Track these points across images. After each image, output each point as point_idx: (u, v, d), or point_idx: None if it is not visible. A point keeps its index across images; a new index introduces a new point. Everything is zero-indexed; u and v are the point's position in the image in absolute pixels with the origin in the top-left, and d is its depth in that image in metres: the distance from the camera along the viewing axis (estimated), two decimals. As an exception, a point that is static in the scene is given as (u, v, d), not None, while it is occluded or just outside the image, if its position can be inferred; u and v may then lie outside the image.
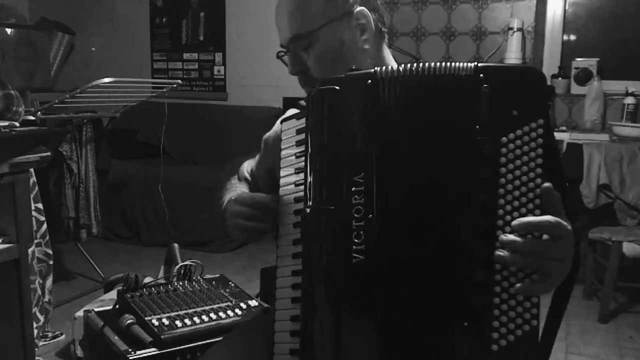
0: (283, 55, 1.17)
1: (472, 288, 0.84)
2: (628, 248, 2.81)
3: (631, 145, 3.14)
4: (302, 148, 0.99)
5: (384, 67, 0.90)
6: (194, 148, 4.53)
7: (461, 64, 0.87)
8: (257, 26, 4.46)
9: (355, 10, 1.10)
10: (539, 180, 0.83)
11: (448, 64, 0.88)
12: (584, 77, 3.63)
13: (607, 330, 2.80)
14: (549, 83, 2.52)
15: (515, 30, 3.72)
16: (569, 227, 0.83)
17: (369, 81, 0.90)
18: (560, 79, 3.70)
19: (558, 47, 3.84)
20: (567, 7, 3.82)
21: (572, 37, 3.86)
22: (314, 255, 0.92)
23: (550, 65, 3.81)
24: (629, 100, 3.49)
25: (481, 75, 0.85)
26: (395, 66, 0.90)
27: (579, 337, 2.70)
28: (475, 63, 0.86)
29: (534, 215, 0.83)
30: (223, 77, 4.72)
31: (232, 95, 4.69)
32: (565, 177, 0.89)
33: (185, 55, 4.82)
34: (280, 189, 1.02)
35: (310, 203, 0.92)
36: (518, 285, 0.82)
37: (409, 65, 0.89)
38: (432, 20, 4.02)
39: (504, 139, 0.83)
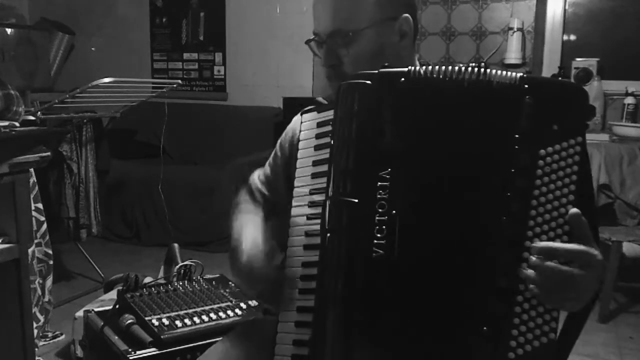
0: (311, 41, 1.15)
1: (494, 294, 0.84)
2: (628, 248, 2.81)
3: (631, 145, 3.14)
4: (322, 141, 0.99)
5: (417, 67, 0.90)
6: (194, 148, 4.53)
7: (506, 73, 0.87)
8: (257, 26, 4.46)
9: (401, 17, 1.10)
10: (571, 197, 0.83)
11: (491, 70, 0.88)
12: (584, 77, 3.63)
13: (607, 330, 2.80)
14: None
15: (515, 30, 3.72)
16: (600, 256, 0.83)
17: (402, 79, 0.90)
18: (560, 79, 3.70)
19: (558, 47, 3.84)
20: (567, 7, 3.82)
21: (572, 37, 3.86)
22: (332, 247, 0.91)
23: (550, 65, 3.81)
24: (629, 100, 3.49)
25: (525, 86, 0.85)
26: (430, 67, 0.89)
27: (579, 336, 2.70)
28: (521, 74, 0.87)
29: (563, 230, 0.83)
30: (223, 77, 4.72)
31: (232, 95, 4.69)
32: (594, 200, 0.89)
33: (185, 55, 4.81)
34: (295, 180, 1.02)
35: (332, 194, 0.92)
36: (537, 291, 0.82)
37: (443, 67, 0.89)
38: (432, 20, 4.01)
39: (542, 151, 0.84)
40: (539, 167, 0.84)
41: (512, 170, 0.84)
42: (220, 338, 1.28)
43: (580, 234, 0.83)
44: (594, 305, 0.91)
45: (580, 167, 0.84)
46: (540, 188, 0.84)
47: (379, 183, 0.88)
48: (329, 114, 0.98)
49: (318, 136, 1.00)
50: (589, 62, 3.62)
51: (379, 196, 0.88)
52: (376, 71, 0.92)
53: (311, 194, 0.99)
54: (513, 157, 0.84)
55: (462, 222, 0.87)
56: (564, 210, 0.83)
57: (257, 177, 1.33)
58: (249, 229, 1.14)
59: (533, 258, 0.82)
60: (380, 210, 0.88)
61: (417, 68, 0.90)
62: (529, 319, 0.83)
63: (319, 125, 1.01)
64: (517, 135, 0.85)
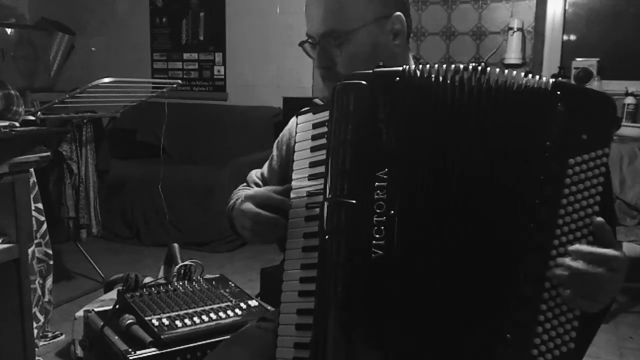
0: (304, 43, 1.15)
1: (518, 301, 0.84)
2: (628, 248, 2.81)
3: (631, 145, 3.14)
4: (318, 142, 0.98)
5: (413, 66, 0.90)
6: (194, 148, 4.53)
7: (533, 77, 0.86)
8: (257, 26, 4.46)
9: (393, 15, 1.09)
10: (596, 208, 0.83)
11: (494, 69, 0.87)
12: (584, 77, 3.63)
13: (607, 330, 2.79)
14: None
15: (515, 30, 3.72)
16: (626, 260, 0.84)
17: (397, 79, 0.90)
18: (560, 79, 3.70)
19: (558, 47, 3.84)
20: (567, 7, 3.82)
21: (572, 37, 3.86)
22: (331, 249, 0.91)
23: (550, 65, 3.81)
24: (629, 100, 3.49)
25: (558, 92, 0.85)
26: (427, 66, 0.89)
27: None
28: (554, 79, 0.86)
29: (588, 240, 0.83)
30: (223, 77, 4.72)
31: (232, 95, 4.69)
32: (615, 211, 0.89)
33: (185, 55, 4.81)
34: (292, 182, 1.02)
35: (330, 196, 0.91)
36: (566, 293, 0.82)
37: (444, 65, 0.88)
38: (432, 20, 4.02)
39: (572, 160, 0.83)
40: (567, 176, 0.83)
41: (541, 178, 0.84)
42: (220, 338, 1.28)
43: (605, 241, 0.83)
44: (611, 306, 0.91)
45: (606, 178, 0.84)
46: (568, 197, 0.83)
47: (377, 183, 0.88)
48: (324, 115, 0.98)
49: (314, 137, 1.00)
50: (589, 62, 3.62)
51: (376, 196, 0.88)
52: (371, 71, 0.91)
53: (308, 195, 0.99)
54: (543, 164, 0.84)
55: (477, 225, 0.86)
56: (589, 220, 0.83)
57: (254, 175, 1.36)
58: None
59: (566, 260, 0.82)
60: (378, 210, 0.87)
61: (413, 67, 0.90)
62: (551, 327, 0.84)
63: (315, 126, 1.00)
64: (548, 143, 0.84)
